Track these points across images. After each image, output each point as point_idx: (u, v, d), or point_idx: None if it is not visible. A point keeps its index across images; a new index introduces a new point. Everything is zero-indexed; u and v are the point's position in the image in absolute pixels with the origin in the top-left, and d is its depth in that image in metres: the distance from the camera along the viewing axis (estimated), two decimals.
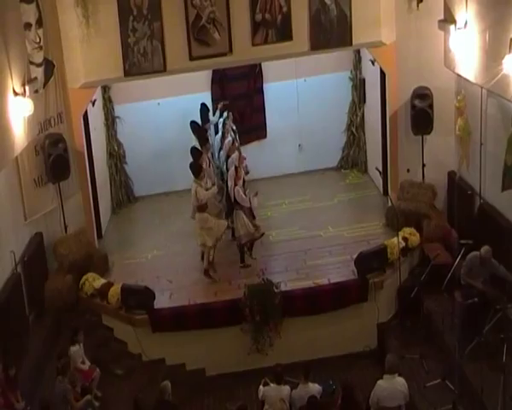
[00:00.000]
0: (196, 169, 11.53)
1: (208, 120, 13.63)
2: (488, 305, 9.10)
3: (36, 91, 10.40)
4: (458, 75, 10.85)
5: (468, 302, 9.31)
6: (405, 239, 11.43)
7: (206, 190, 11.48)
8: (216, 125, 13.87)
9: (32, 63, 10.75)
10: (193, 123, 13.28)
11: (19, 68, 9.38)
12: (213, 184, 11.90)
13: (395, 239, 11.04)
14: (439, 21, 10.56)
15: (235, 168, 11.77)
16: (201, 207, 11.38)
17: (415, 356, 9.81)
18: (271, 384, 8.96)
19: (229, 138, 13.14)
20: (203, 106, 13.79)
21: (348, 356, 10.80)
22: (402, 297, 10.77)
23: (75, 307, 11.32)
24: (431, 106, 11.94)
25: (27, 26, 10.76)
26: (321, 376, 9.43)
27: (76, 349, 9.86)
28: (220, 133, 13.47)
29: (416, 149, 12.28)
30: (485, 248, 9.41)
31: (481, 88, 10.00)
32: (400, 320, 10.71)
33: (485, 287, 9.40)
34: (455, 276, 9.69)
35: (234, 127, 13.66)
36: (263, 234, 11.95)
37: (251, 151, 14.35)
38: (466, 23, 9.54)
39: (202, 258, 11.82)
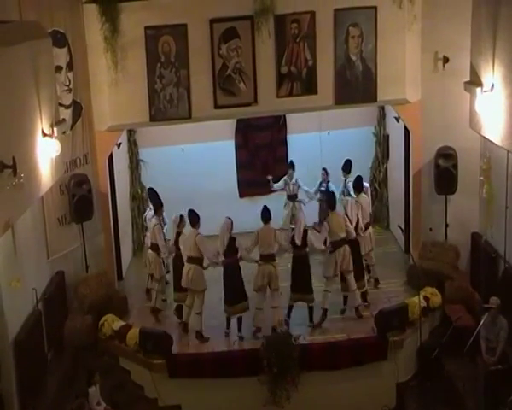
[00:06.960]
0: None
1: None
2: None
3: (63, 133, 10.53)
4: (484, 137, 10.67)
5: (491, 369, 9.22)
6: (427, 299, 11.38)
7: None
8: None
9: (61, 105, 10.92)
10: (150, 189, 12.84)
11: (48, 110, 9.49)
12: None
13: (416, 298, 10.93)
14: (465, 83, 10.34)
15: None
16: None
17: None
18: None
19: None
20: (151, 190, 12.93)
21: None
22: (422, 358, 10.71)
23: (93, 348, 11.33)
24: (455, 166, 11.94)
25: (58, 68, 11.02)
26: None
27: (93, 391, 9.82)
28: None
29: (440, 208, 12.25)
30: (492, 298, 9.35)
31: (507, 152, 9.95)
32: (420, 381, 10.61)
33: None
34: (477, 340, 9.56)
35: None
36: None
37: (274, 202, 14.33)
38: (493, 86, 9.35)
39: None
